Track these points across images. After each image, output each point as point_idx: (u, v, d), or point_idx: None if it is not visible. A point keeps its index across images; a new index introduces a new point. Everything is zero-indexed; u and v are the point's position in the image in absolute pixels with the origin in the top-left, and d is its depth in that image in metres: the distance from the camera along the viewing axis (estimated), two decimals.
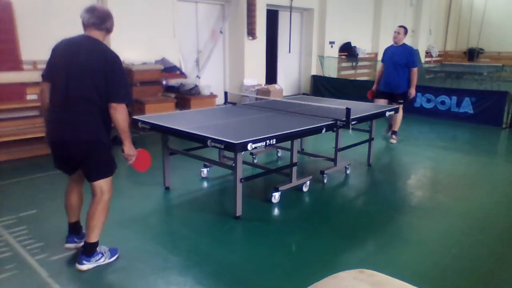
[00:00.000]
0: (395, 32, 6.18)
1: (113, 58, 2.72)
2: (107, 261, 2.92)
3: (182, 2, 8.36)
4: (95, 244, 2.87)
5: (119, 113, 2.72)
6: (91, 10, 2.76)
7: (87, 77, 2.65)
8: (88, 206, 2.92)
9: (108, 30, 2.85)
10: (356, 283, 1.30)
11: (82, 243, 2.95)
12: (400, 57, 6.09)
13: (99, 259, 2.88)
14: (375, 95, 6.53)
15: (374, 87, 6.62)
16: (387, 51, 6.40)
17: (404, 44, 6.19)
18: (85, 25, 2.76)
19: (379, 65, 13.79)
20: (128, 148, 2.88)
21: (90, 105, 2.69)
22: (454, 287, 2.76)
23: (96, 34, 2.77)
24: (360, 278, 1.33)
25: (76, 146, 2.76)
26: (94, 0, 6.85)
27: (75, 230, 3.11)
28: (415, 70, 6.09)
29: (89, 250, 2.84)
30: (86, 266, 2.84)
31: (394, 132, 6.44)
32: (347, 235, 3.45)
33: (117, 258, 2.99)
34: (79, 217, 3.12)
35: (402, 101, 6.10)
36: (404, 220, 3.77)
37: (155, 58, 7.63)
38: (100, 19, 2.77)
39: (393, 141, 6.38)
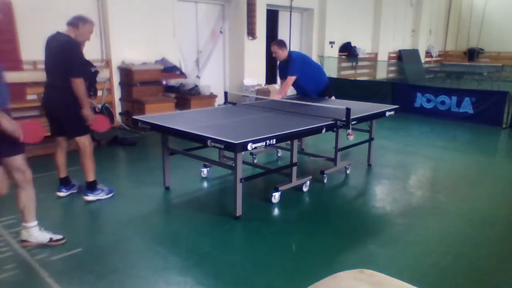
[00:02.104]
0: (272, 52, 5.48)
1: (69, 44, 3.68)
2: (105, 196, 4.02)
3: (182, 2, 8.36)
4: (94, 182, 3.98)
5: (76, 85, 3.63)
6: (73, 16, 3.79)
7: (57, 60, 3.69)
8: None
9: (76, 27, 3.75)
10: (356, 283, 1.30)
11: (71, 192, 4.14)
12: (286, 71, 5.42)
13: (99, 193, 4.00)
14: None
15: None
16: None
17: (288, 55, 5.41)
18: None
19: (379, 65, 13.87)
20: (86, 110, 3.73)
21: (62, 80, 3.64)
22: (454, 287, 2.76)
23: (68, 29, 3.75)
24: (360, 278, 1.33)
25: (59, 108, 3.78)
26: (93, 0, 6.86)
27: (64, 182, 4.13)
28: (288, 78, 5.36)
29: (91, 186, 3.96)
30: (90, 197, 3.95)
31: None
32: (347, 235, 3.45)
33: (112, 195, 4.06)
34: (67, 173, 4.12)
35: None
36: (404, 220, 3.77)
37: (155, 58, 7.63)
38: (73, 19, 3.76)
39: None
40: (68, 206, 3.94)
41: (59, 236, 3.20)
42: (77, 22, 3.75)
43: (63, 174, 4.10)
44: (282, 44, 5.45)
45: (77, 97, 3.65)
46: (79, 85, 3.63)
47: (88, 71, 3.99)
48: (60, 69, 3.65)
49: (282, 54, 5.42)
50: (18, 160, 2.93)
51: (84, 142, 3.86)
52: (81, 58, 3.76)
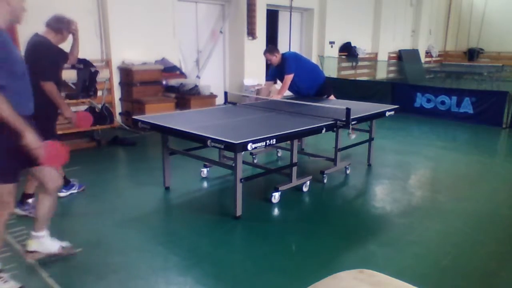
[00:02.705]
0: (267, 60, 5.55)
1: (42, 46, 3.45)
2: (30, 214, 3.52)
3: (182, 2, 8.37)
4: (28, 196, 3.59)
5: (48, 90, 3.39)
6: (53, 16, 3.56)
7: (28, 63, 3.29)
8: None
9: (59, 32, 3.52)
10: (356, 283, 1.30)
11: (71, 192, 4.06)
12: (282, 73, 5.46)
13: (26, 209, 3.60)
14: None
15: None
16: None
17: (281, 58, 5.44)
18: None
19: (379, 65, 13.86)
20: (66, 112, 3.56)
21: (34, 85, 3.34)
22: (454, 287, 2.76)
23: (47, 31, 3.53)
24: (360, 278, 1.33)
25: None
26: (93, 0, 6.85)
27: (64, 183, 3.93)
28: (286, 77, 5.40)
29: (22, 198, 3.62)
30: (17, 210, 3.52)
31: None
32: (347, 235, 3.45)
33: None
34: (63, 173, 3.87)
35: None
36: (404, 220, 3.77)
37: (155, 58, 7.63)
38: (54, 23, 3.53)
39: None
40: (67, 206, 3.94)
41: (68, 244, 3.00)
42: (59, 27, 3.53)
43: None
44: (273, 50, 5.50)
45: (53, 101, 3.45)
46: (51, 89, 3.42)
47: (59, 77, 3.67)
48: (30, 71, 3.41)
49: (276, 59, 5.43)
50: (53, 170, 2.74)
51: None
52: (52, 61, 3.52)
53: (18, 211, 3.70)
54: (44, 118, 3.42)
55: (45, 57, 3.46)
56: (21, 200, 3.71)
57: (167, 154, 4.30)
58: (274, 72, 5.68)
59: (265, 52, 5.51)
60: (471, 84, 11.93)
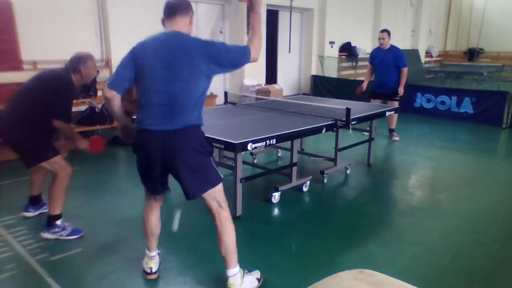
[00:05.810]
0: (380, 38, 6.44)
1: (62, 85, 3.20)
2: (66, 237, 3.28)
3: None
4: (56, 217, 3.29)
5: (60, 127, 3.17)
6: (69, 60, 3.31)
7: (40, 94, 3.21)
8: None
9: (77, 71, 3.26)
10: (356, 283, 1.30)
11: (39, 213, 3.67)
12: (390, 59, 6.37)
13: (57, 231, 3.28)
14: (370, 96, 6.74)
15: (364, 85, 6.90)
16: (376, 54, 6.63)
17: (391, 46, 6.43)
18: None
19: None
20: (81, 143, 3.35)
21: (35, 116, 3.17)
22: (454, 287, 2.76)
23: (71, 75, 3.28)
24: (360, 278, 1.33)
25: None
26: (93, 0, 6.85)
27: (34, 201, 3.68)
28: (404, 70, 6.34)
29: (50, 221, 3.29)
30: (46, 235, 3.27)
31: (392, 130, 6.74)
32: (347, 235, 3.45)
33: (79, 237, 3.31)
34: (40, 191, 3.67)
35: (397, 98, 6.40)
36: (404, 220, 3.77)
37: None
38: (72, 64, 3.27)
39: (396, 138, 6.66)
40: (67, 207, 3.93)
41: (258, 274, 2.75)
42: (77, 66, 3.24)
43: (35, 192, 3.66)
44: (390, 33, 6.43)
45: (67, 136, 3.35)
46: (65, 128, 3.20)
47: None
48: (40, 104, 3.13)
49: (387, 42, 6.36)
50: (217, 191, 2.58)
51: (51, 167, 3.29)
52: (65, 99, 3.22)
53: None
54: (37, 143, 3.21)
55: (68, 99, 3.24)
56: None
57: None
58: (376, 56, 6.51)
59: (384, 31, 6.40)
60: (471, 84, 11.93)
